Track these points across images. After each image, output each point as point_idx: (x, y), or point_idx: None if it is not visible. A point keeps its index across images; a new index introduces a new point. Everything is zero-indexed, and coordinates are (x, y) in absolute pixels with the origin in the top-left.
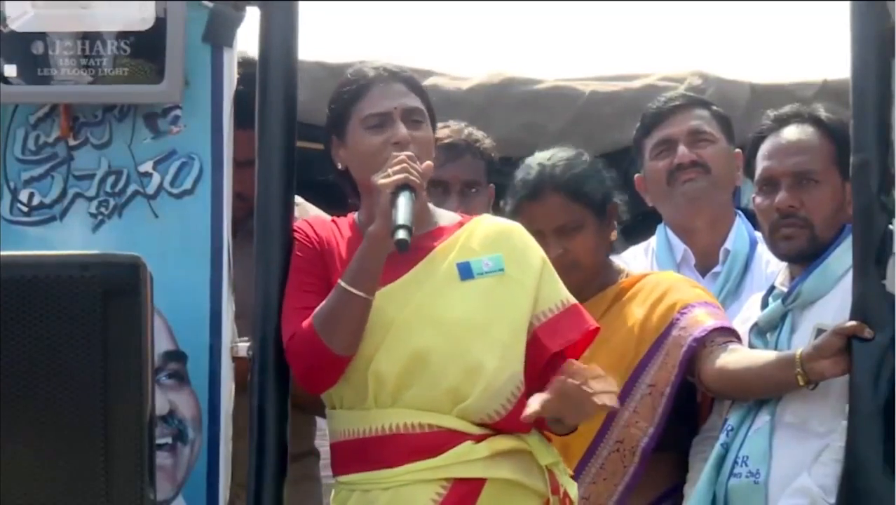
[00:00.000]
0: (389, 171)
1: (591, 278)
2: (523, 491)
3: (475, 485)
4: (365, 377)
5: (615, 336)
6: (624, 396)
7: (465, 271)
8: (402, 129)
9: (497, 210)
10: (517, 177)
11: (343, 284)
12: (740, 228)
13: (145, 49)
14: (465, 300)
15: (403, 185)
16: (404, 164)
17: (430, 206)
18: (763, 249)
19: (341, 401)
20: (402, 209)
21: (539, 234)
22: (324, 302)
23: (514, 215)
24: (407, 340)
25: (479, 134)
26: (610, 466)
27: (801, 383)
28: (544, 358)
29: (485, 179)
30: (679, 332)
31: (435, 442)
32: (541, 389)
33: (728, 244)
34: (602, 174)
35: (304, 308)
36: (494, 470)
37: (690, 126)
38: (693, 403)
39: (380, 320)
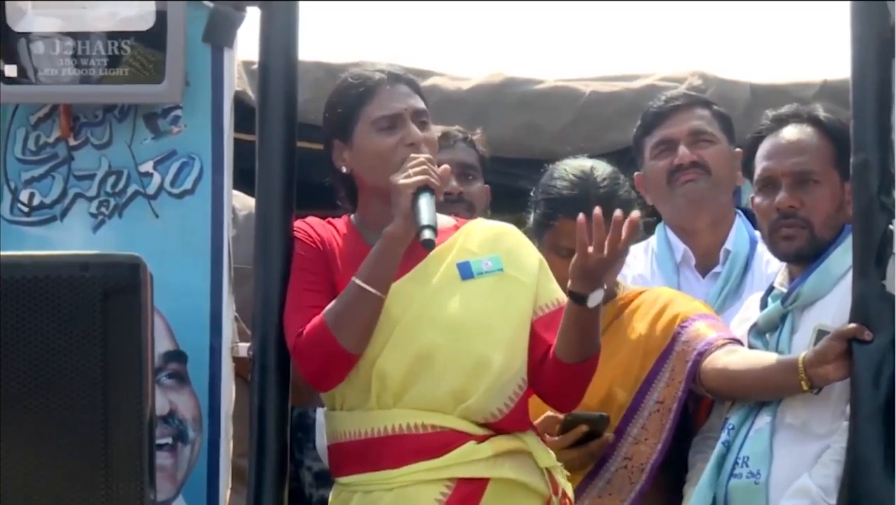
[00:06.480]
0: (410, 171)
1: (605, 299)
2: (525, 491)
3: (479, 484)
4: (368, 377)
5: (619, 352)
6: (632, 412)
7: (466, 271)
8: (415, 130)
9: (510, 208)
10: (555, 186)
11: (358, 281)
12: (741, 228)
13: (146, 49)
14: (468, 299)
15: (424, 187)
16: (425, 166)
17: None
18: (763, 249)
19: (342, 402)
20: (426, 210)
21: (573, 253)
22: (336, 300)
23: (546, 228)
24: (411, 339)
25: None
26: (617, 482)
27: (805, 388)
28: (541, 350)
29: (480, 170)
30: (682, 346)
31: (438, 442)
32: (539, 383)
33: (728, 244)
34: (632, 193)
35: (310, 307)
36: (497, 470)
37: (691, 126)
38: (685, 415)
39: (383, 320)
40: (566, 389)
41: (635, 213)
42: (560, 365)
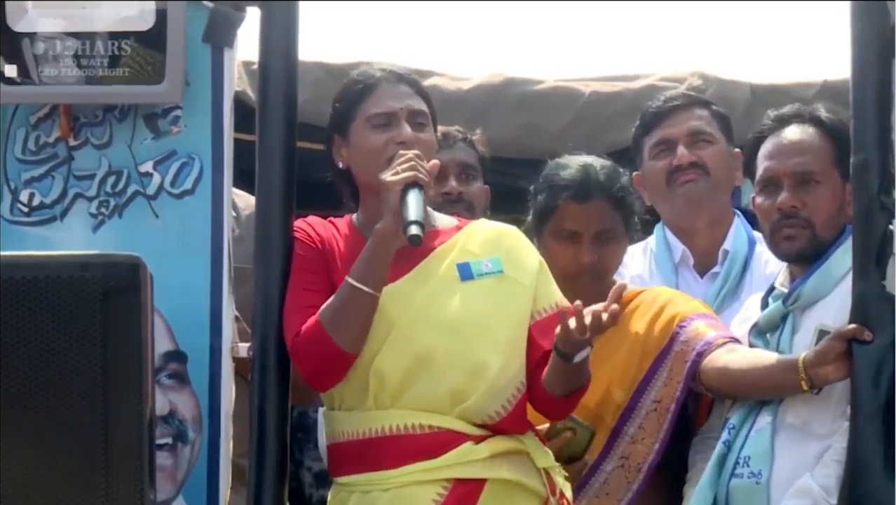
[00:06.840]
0: (398, 168)
1: (603, 290)
2: (523, 491)
3: (476, 485)
4: (366, 378)
5: (618, 351)
6: (629, 411)
7: (465, 272)
8: (406, 129)
9: (509, 208)
10: (558, 174)
11: (351, 280)
12: (739, 229)
13: (146, 49)
14: (467, 300)
15: (412, 183)
16: (413, 162)
17: (428, 208)
18: (762, 249)
19: (341, 402)
20: (413, 205)
21: (574, 237)
22: (331, 299)
23: (549, 213)
24: (410, 340)
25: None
26: (614, 481)
27: (805, 388)
28: (537, 356)
29: (480, 170)
30: (681, 346)
31: (435, 443)
32: (530, 389)
33: (727, 245)
34: (633, 187)
35: (309, 307)
36: (495, 470)
37: (690, 126)
38: (684, 415)
39: (382, 320)
40: (553, 410)
41: (616, 307)
42: (546, 394)
